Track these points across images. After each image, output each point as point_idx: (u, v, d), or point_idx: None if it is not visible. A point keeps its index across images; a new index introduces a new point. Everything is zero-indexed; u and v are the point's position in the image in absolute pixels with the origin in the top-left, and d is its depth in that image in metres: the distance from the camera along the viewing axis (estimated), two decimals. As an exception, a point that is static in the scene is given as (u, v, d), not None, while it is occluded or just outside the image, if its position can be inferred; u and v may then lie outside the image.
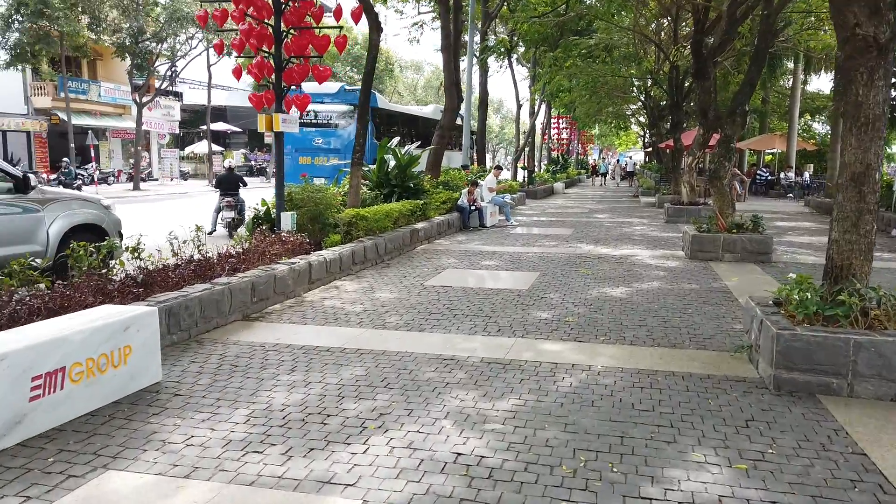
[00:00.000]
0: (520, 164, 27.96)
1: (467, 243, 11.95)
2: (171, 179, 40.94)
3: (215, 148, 44.27)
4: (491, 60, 35.05)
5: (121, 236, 8.34)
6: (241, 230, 9.44)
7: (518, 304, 6.92)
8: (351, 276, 8.49)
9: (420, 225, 11.73)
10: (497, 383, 4.42)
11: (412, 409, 3.96)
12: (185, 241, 7.07)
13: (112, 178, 34.93)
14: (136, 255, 6.49)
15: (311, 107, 17.84)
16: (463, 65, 20.91)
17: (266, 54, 8.49)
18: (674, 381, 4.46)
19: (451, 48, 15.86)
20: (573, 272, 8.88)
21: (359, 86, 11.56)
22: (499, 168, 16.85)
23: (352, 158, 11.02)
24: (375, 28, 10.94)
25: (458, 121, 21.28)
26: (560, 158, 41.55)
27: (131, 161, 34.59)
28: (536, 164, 37.09)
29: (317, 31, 8.76)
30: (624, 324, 6.08)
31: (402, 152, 13.04)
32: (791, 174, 26.01)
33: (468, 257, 10.20)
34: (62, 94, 30.12)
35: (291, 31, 8.59)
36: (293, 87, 8.86)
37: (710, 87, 13.49)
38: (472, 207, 14.40)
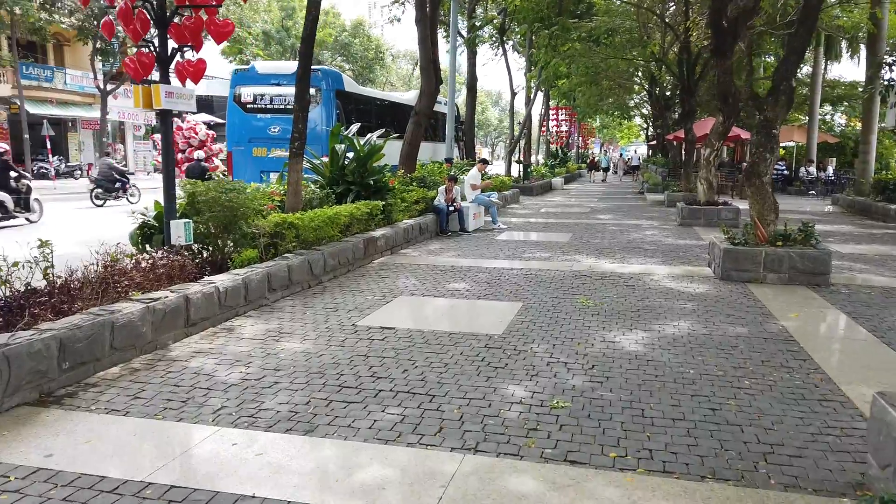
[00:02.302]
0: (514, 158, 25.49)
1: (439, 254, 9.61)
2: (148, 174, 38.49)
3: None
4: (486, 48, 32.62)
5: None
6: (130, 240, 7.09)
7: (483, 365, 4.58)
8: (262, 310, 6.15)
9: (380, 232, 9.37)
10: None
11: None
12: (16, 264, 4.83)
13: (79, 172, 32.46)
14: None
15: (266, 89, 15.59)
16: (449, 45, 18.53)
17: (140, 1, 6.12)
18: None
19: (427, 20, 13.49)
20: (568, 302, 6.53)
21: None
22: (484, 162, 14.46)
23: (290, 149, 8.70)
24: (317, -18, 8.62)
25: (444, 108, 18.91)
26: (559, 152, 39.04)
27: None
28: (533, 157, 34.69)
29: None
30: (647, 414, 3.74)
31: (363, 142, 10.68)
32: (812, 169, 23.60)
33: (434, 276, 7.86)
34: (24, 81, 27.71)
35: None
36: (188, 47, 6.50)
37: (732, 67, 11.08)
38: (451, 208, 12.05)
